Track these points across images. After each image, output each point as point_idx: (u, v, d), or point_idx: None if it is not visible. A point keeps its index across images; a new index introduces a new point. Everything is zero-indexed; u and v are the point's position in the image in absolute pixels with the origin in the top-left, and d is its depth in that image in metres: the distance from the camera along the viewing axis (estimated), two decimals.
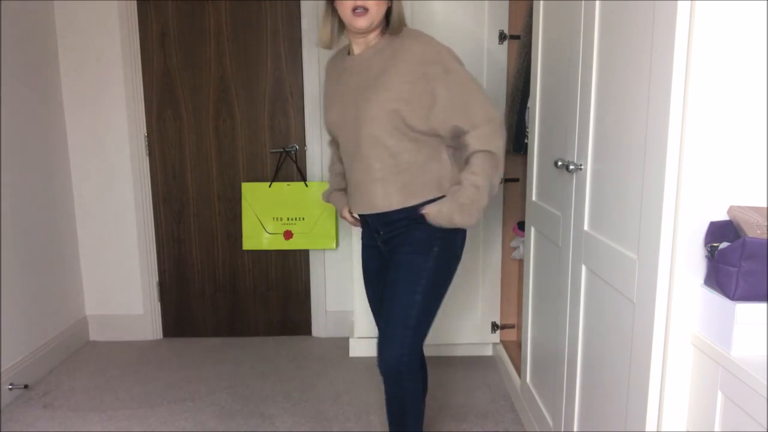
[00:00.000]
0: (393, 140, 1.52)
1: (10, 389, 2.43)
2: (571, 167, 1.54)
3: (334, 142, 1.80)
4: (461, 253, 1.67)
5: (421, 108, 1.50)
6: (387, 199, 1.56)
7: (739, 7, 1.02)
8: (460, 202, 1.50)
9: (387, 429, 1.47)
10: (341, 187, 1.81)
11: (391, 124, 1.50)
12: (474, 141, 1.52)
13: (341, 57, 1.66)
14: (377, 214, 1.59)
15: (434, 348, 2.82)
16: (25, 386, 2.49)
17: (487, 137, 1.51)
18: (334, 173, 1.85)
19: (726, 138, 1.06)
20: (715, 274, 1.05)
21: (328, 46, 1.59)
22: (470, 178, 1.51)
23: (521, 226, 2.56)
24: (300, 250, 3.05)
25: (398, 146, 1.53)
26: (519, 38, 2.48)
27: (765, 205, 1.08)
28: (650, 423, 1.19)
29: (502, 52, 2.59)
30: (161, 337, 3.14)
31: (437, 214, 1.52)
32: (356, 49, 1.59)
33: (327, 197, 1.86)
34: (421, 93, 1.50)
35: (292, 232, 2.89)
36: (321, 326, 3.12)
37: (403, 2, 2.55)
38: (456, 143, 1.59)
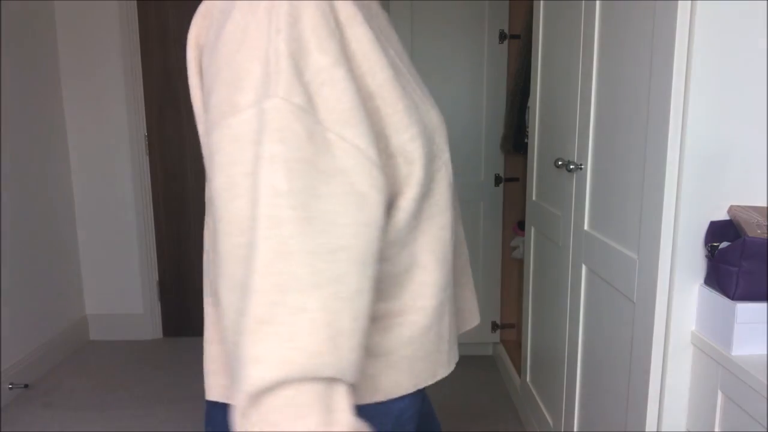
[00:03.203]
0: None
1: (10, 389, 2.43)
2: (572, 167, 1.54)
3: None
4: None
5: None
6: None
7: (739, 7, 1.02)
8: None
9: None
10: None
11: None
12: None
13: None
14: None
15: None
16: (26, 386, 2.49)
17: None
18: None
19: (726, 138, 1.06)
20: (715, 273, 1.05)
21: None
22: None
23: (521, 225, 2.56)
24: None
25: None
26: (519, 38, 2.48)
27: (765, 205, 1.08)
28: (650, 423, 1.19)
29: (502, 52, 2.59)
30: (161, 336, 3.14)
31: None
32: None
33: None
34: None
35: None
36: None
37: (402, 2, 2.57)
38: None
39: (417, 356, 0.66)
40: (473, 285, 0.84)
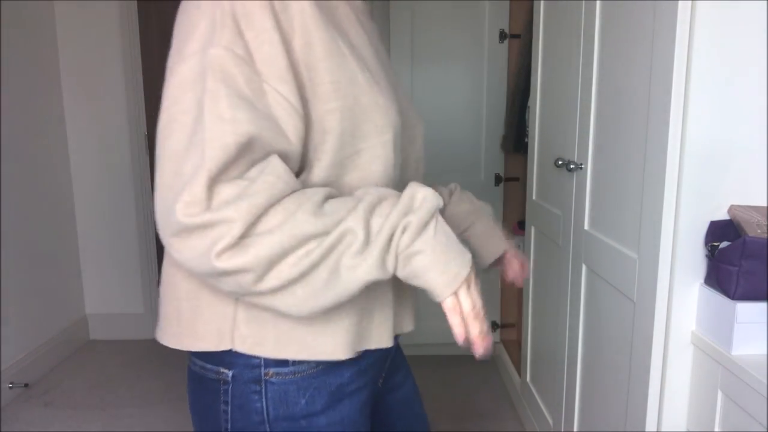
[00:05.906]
0: None
1: (10, 388, 2.43)
2: (572, 166, 1.54)
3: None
4: None
5: None
6: None
7: (739, 7, 1.02)
8: None
9: None
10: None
11: None
12: None
13: None
14: None
15: (434, 347, 2.83)
16: (26, 385, 2.49)
17: None
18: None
19: (726, 138, 1.06)
20: (715, 273, 1.05)
21: None
22: None
23: (521, 225, 2.56)
24: None
25: None
26: (519, 37, 2.48)
27: (765, 205, 1.08)
28: (650, 423, 1.19)
29: (502, 51, 2.59)
30: None
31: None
32: None
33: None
34: None
35: None
36: None
37: (403, 2, 2.56)
38: None
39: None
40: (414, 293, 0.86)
